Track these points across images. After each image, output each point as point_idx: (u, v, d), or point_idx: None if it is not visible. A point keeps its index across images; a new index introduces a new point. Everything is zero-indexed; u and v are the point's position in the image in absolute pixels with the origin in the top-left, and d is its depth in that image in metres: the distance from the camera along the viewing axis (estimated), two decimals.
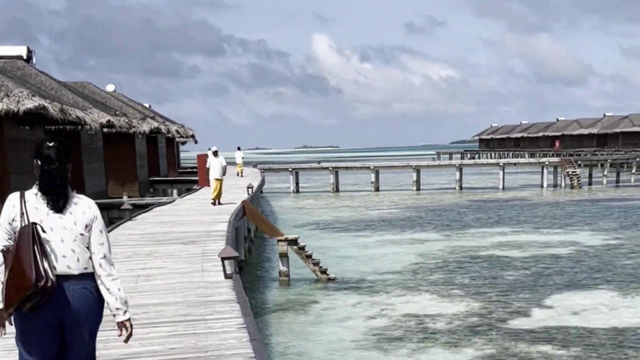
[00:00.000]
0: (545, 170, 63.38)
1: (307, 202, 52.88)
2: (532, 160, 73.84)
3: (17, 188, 15.84)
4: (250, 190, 29.65)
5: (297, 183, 63.55)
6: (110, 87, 47.79)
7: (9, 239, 4.81)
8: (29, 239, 4.67)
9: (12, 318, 4.82)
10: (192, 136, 57.90)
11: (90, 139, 30.33)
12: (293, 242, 21.80)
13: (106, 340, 7.42)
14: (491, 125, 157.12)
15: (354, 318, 17.44)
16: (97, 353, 5.24)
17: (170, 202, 27.75)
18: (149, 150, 44.18)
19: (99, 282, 4.96)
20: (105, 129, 31.26)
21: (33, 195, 4.92)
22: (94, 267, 4.94)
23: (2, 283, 4.73)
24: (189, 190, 44.93)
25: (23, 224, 4.75)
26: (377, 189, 61.61)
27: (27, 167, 21.24)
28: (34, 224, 4.75)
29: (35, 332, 4.78)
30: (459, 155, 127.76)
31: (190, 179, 47.20)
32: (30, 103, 18.55)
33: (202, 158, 38.40)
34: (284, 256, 21.80)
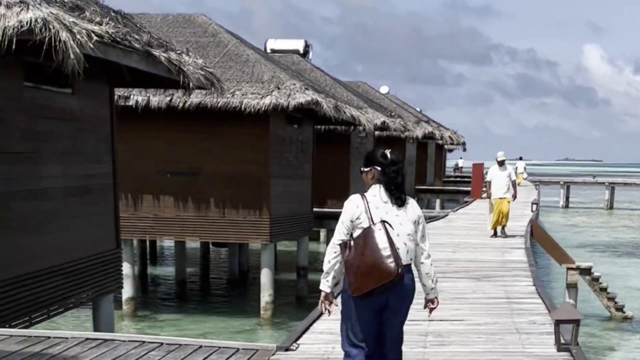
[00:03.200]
0: None
1: (579, 219, 48.37)
2: None
3: (276, 194, 13.62)
4: (534, 206, 25.93)
5: (567, 197, 59.42)
6: (384, 89, 45.99)
7: (347, 234, 5.45)
8: (385, 234, 5.27)
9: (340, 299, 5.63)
10: (463, 143, 55.09)
11: (360, 142, 28.21)
12: (586, 271, 18.21)
13: None
14: None
15: None
16: None
17: (444, 217, 24.78)
18: (418, 157, 41.86)
19: (423, 268, 5.63)
20: (376, 132, 29.10)
21: (372, 197, 5.50)
22: (416, 258, 5.57)
23: (334, 271, 5.49)
24: (452, 202, 41.97)
25: (369, 222, 5.35)
26: None
27: (291, 170, 19.04)
28: (384, 221, 5.33)
29: (364, 312, 5.40)
30: None
31: (457, 189, 44.68)
32: (302, 97, 16.42)
33: (478, 167, 35.66)
34: (572, 287, 18.22)
